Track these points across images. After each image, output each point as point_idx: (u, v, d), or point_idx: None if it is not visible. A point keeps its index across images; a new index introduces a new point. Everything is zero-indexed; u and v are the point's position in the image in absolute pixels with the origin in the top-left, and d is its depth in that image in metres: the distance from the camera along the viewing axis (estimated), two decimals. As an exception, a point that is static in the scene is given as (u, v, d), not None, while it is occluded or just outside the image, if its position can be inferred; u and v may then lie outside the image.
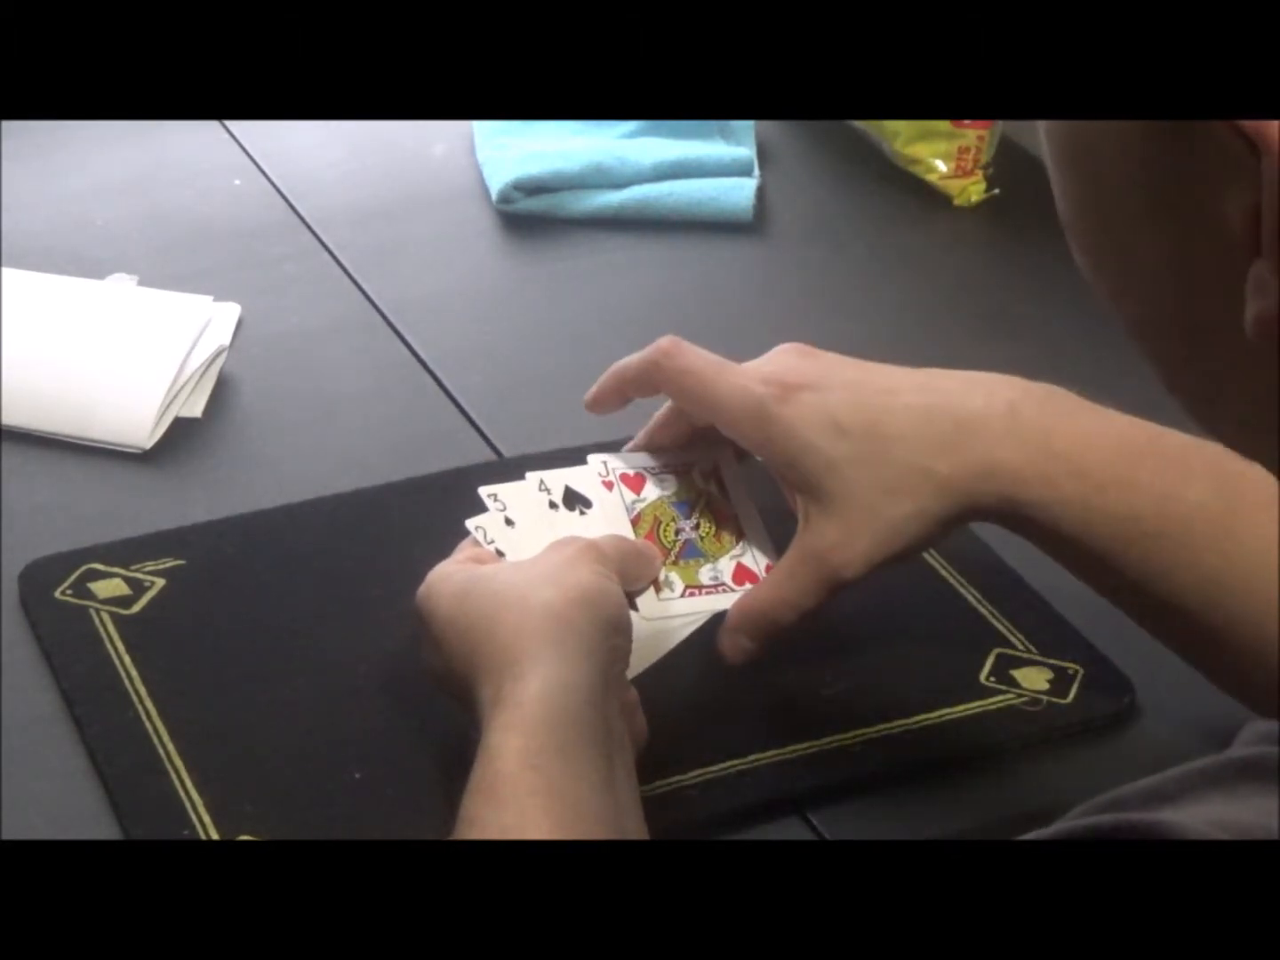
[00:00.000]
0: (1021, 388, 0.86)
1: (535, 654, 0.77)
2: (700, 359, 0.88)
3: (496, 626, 0.79)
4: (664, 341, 0.89)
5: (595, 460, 0.91)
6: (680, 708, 0.89)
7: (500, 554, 0.85)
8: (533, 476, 0.89)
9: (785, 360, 0.87)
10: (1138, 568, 0.83)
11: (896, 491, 0.83)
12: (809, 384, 0.85)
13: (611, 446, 0.95)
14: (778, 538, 0.90)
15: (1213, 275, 0.49)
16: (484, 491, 0.88)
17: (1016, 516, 0.84)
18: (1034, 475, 0.83)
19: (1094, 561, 0.84)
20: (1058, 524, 0.83)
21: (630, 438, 1.00)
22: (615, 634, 0.80)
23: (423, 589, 0.83)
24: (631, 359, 0.91)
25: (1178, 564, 0.82)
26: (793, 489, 0.87)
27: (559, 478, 0.89)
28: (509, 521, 0.87)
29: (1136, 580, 0.83)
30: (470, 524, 0.87)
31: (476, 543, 0.86)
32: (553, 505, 0.88)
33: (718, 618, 0.88)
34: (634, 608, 0.85)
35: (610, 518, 0.89)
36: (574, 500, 0.89)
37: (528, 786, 0.73)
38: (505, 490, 0.88)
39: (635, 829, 0.76)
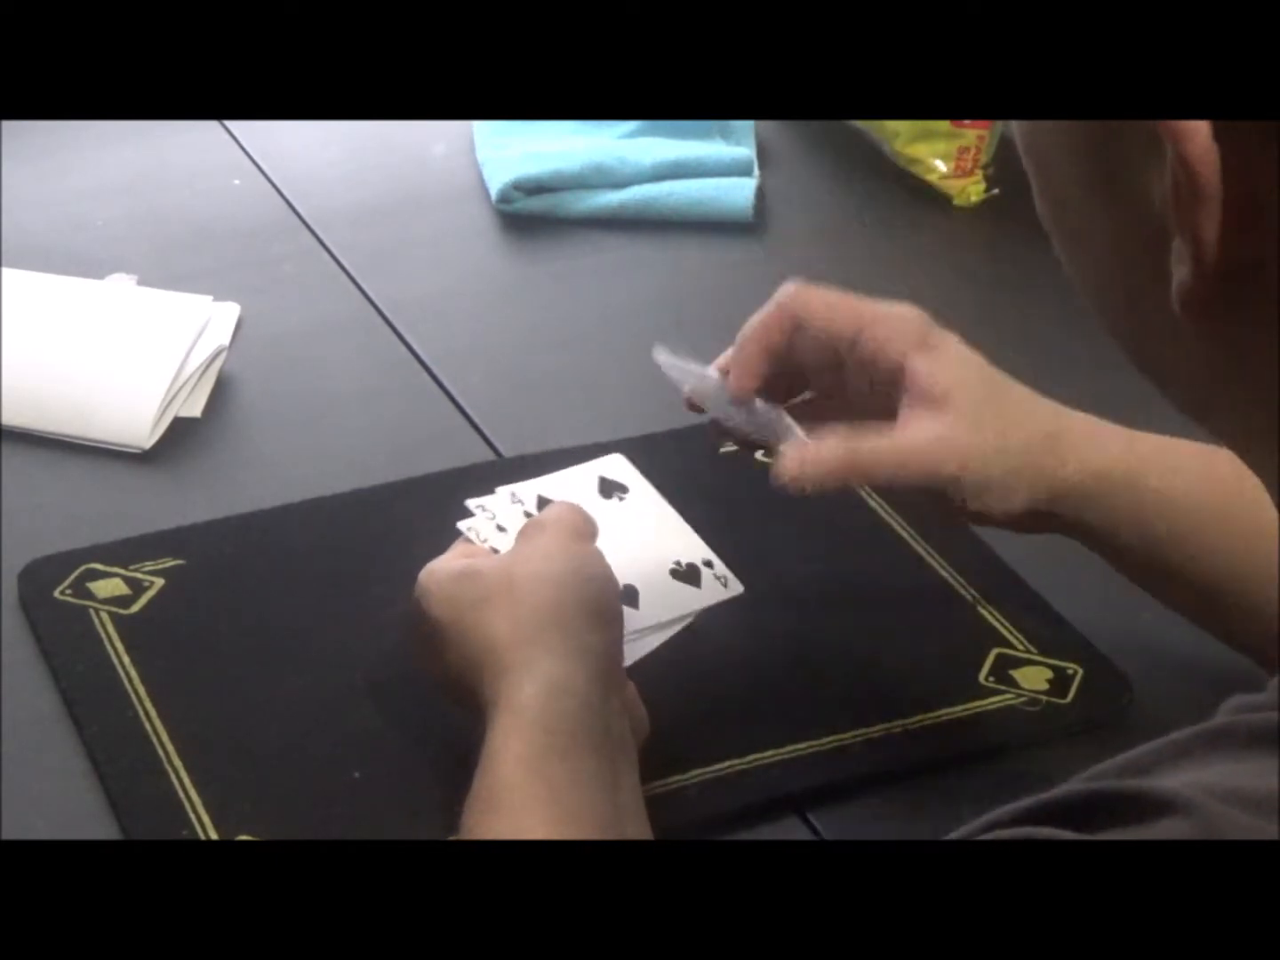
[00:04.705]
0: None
1: (528, 658, 0.77)
2: (835, 292, 0.90)
3: (487, 631, 0.79)
4: (789, 285, 0.90)
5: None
6: (679, 708, 0.89)
7: (495, 551, 0.86)
8: (503, 490, 0.89)
9: (918, 308, 0.90)
10: (1200, 557, 0.87)
11: (1007, 426, 0.86)
12: (944, 331, 0.89)
13: (611, 447, 0.95)
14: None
15: (1147, 254, 0.51)
16: (471, 503, 0.89)
17: (1097, 497, 0.87)
18: (1120, 456, 0.87)
19: (1160, 552, 0.87)
20: (1133, 506, 0.87)
21: (633, 438, 1.00)
22: (606, 625, 0.80)
23: (416, 589, 0.83)
24: (757, 316, 0.90)
25: (1218, 538, 0.86)
26: (914, 397, 0.86)
27: (531, 488, 0.90)
28: (500, 528, 0.87)
29: (1199, 573, 0.87)
30: (462, 526, 0.87)
31: (468, 542, 0.86)
32: (527, 515, 0.88)
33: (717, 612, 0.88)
34: None
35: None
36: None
37: (525, 793, 0.74)
38: (490, 501, 0.89)
39: (636, 832, 0.76)
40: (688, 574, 0.88)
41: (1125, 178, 0.51)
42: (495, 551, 0.86)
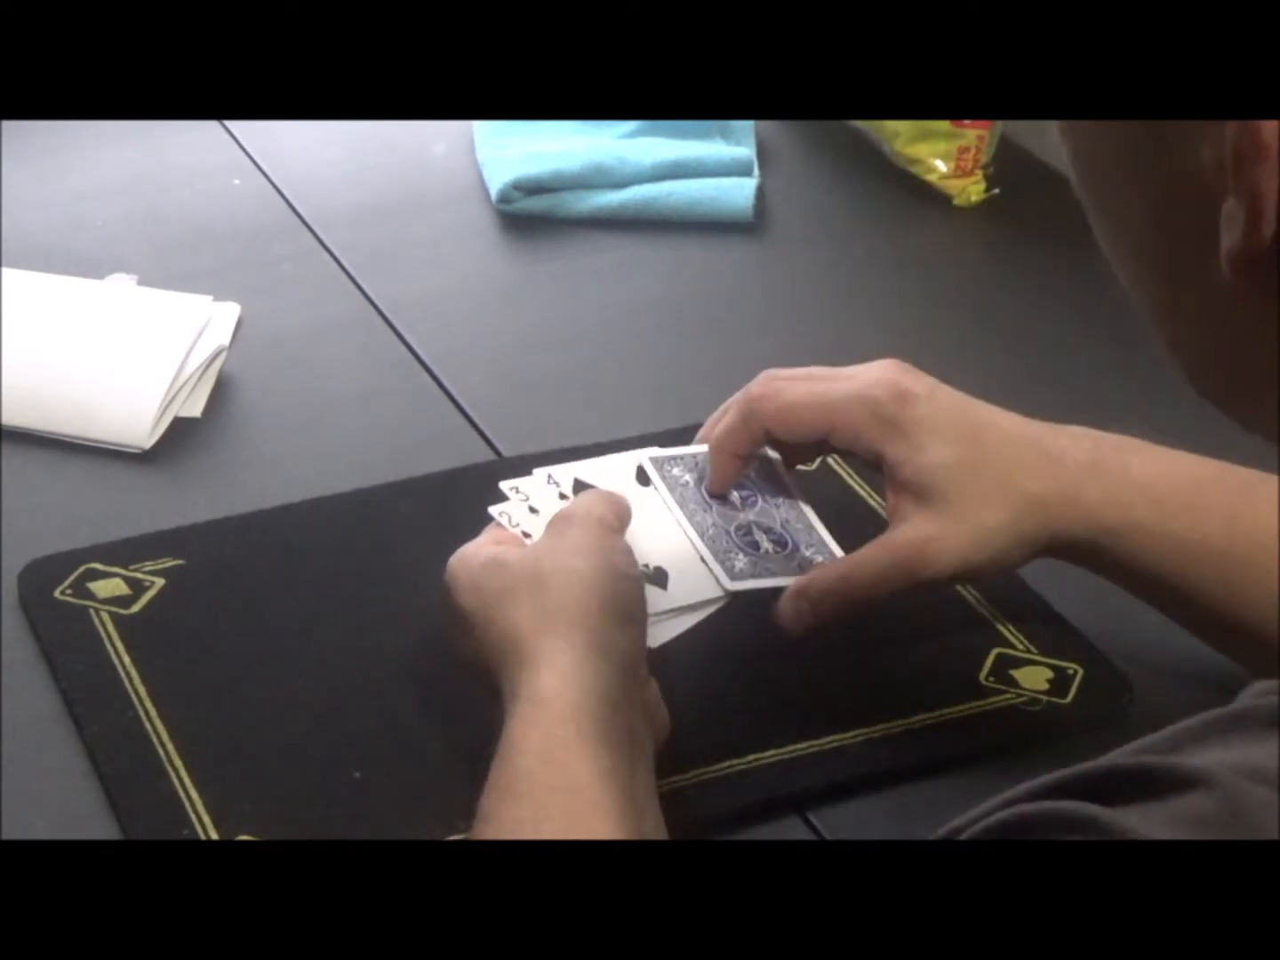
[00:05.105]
0: (1099, 433, 0.90)
1: (550, 651, 0.77)
2: (800, 386, 0.90)
3: (510, 622, 0.79)
4: (753, 388, 0.91)
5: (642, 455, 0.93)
6: (680, 707, 0.89)
7: (526, 535, 0.86)
8: (539, 472, 0.90)
9: (890, 370, 0.90)
10: (1210, 590, 0.87)
11: (991, 502, 0.87)
12: (920, 393, 0.89)
13: (612, 447, 0.95)
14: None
15: (1190, 221, 0.51)
16: (505, 485, 0.88)
17: (1095, 546, 0.88)
18: (1113, 502, 0.87)
19: (1167, 587, 0.88)
20: (1133, 550, 0.87)
21: (632, 437, 1.00)
22: (630, 623, 0.80)
23: (446, 574, 0.83)
24: (725, 422, 0.92)
25: (1247, 583, 0.86)
26: (897, 487, 0.88)
27: (568, 471, 0.90)
28: (533, 510, 0.87)
29: (1210, 603, 0.87)
30: (494, 510, 0.87)
31: (500, 527, 0.87)
32: (563, 496, 0.88)
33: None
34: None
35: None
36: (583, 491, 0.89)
37: (545, 783, 0.74)
38: (525, 483, 0.89)
39: (652, 830, 0.76)
40: None
41: (1172, 140, 0.50)
42: (527, 536, 0.86)
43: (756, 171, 1.36)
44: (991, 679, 0.93)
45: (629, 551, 0.83)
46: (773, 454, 0.94)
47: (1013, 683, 0.92)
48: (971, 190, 1.35)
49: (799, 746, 0.88)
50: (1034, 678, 0.93)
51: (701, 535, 0.89)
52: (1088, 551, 0.88)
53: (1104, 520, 0.87)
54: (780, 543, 0.91)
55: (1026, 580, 0.98)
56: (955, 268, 1.33)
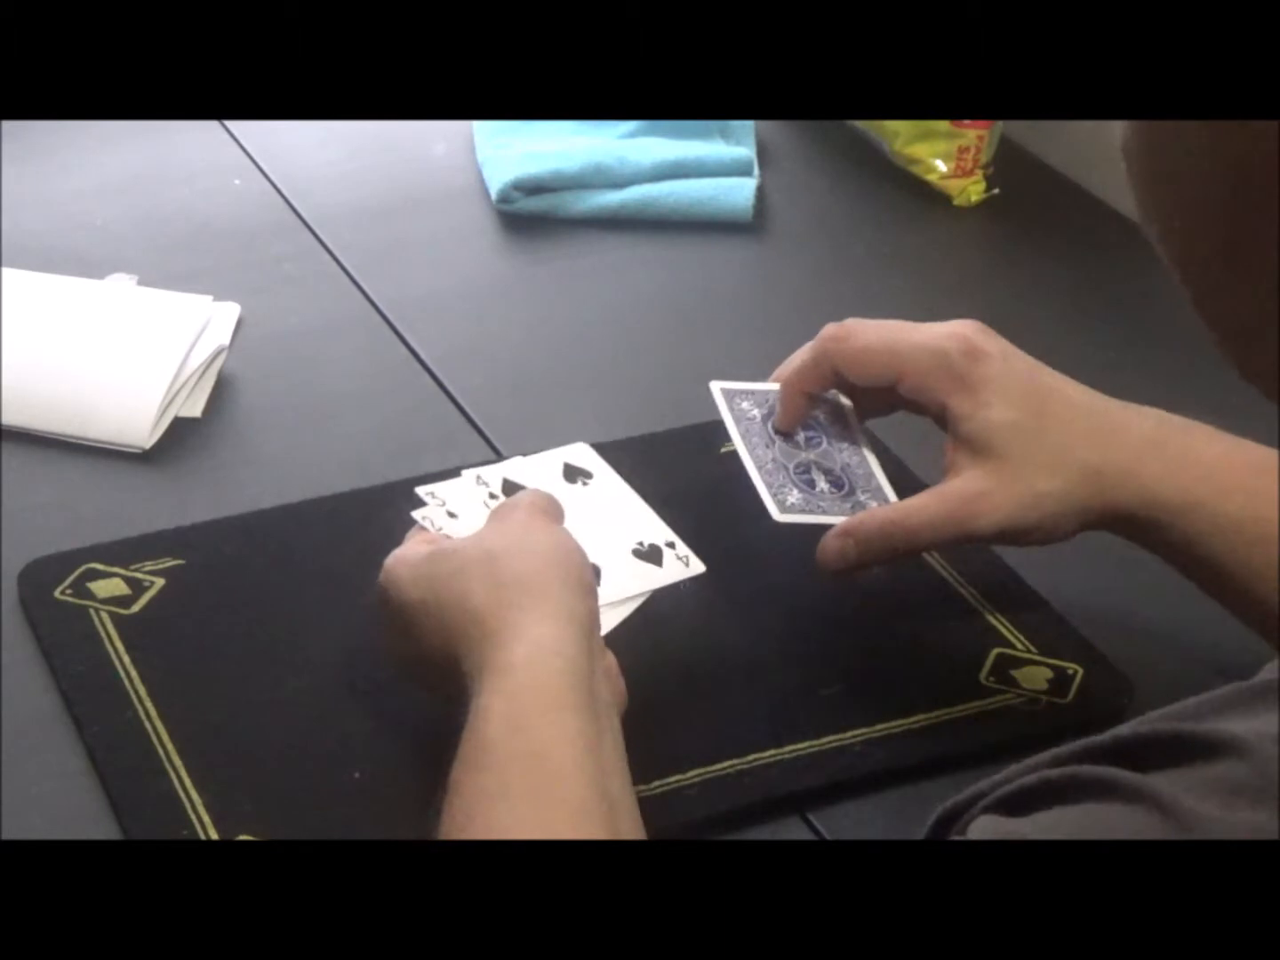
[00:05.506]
0: (1164, 413, 0.91)
1: (516, 622, 0.77)
2: (875, 332, 0.92)
3: (469, 600, 0.79)
4: (829, 329, 0.92)
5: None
6: (680, 707, 0.89)
7: (449, 539, 0.86)
8: (467, 473, 0.91)
9: (966, 328, 0.91)
10: (1261, 572, 0.86)
11: (1047, 467, 0.88)
12: (992, 352, 0.90)
13: (611, 447, 0.95)
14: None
15: (1267, 200, 0.50)
16: (421, 490, 0.89)
17: (1150, 521, 0.88)
18: (1172, 479, 0.87)
19: (1219, 566, 0.88)
20: (1188, 528, 0.87)
21: (632, 437, 1.00)
22: (587, 594, 0.81)
23: (382, 577, 0.83)
24: (796, 358, 0.93)
25: None
26: (957, 441, 0.89)
27: (496, 472, 0.90)
28: (452, 514, 0.88)
29: (1260, 586, 0.86)
30: (417, 514, 0.88)
31: (424, 530, 0.87)
32: (493, 496, 0.89)
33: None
34: None
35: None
36: (514, 490, 0.90)
37: (508, 751, 0.74)
38: (442, 487, 0.90)
39: (620, 788, 0.76)
40: (650, 554, 0.89)
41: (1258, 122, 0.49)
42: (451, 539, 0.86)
43: (756, 171, 1.36)
44: (991, 679, 0.93)
45: (571, 534, 0.84)
46: (844, 400, 0.94)
47: (1013, 683, 0.92)
48: (971, 190, 1.35)
49: (799, 746, 0.88)
50: (1034, 678, 0.93)
51: (760, 467, 0.90)
52: (1142, 527, 0.88)
53: (1161, 496, 0.87)
54: (837, 484, 0.92)
55: (1026, 579, 0.98)
56: (955, 268, 1.34)
